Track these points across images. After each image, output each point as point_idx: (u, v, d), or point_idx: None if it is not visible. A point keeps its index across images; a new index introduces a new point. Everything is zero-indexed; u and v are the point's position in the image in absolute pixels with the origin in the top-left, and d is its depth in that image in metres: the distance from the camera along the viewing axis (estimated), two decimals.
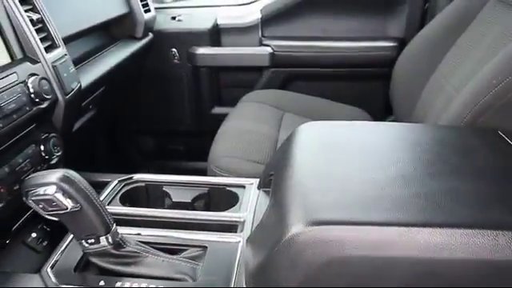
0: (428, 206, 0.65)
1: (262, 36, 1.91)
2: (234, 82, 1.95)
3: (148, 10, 1.75)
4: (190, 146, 2.06)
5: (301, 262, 0.61)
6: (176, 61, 1.90)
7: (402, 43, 1.69)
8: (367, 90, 1.83)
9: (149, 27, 1.77)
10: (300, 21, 1.90)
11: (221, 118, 1.61)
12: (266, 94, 1.74)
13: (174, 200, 1.00)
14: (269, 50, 1.86)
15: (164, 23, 1.90)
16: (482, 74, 1.02)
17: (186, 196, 1.00)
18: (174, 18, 1.93)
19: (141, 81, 1.92)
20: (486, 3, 1.31)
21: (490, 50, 1.12)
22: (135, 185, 1.03)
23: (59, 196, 0.69)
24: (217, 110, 1.96)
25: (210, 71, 1.92)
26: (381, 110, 1.75)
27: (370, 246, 0.60)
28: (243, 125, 1.47)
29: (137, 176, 1.04)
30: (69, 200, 0.70)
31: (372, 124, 1.04)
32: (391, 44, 1.78)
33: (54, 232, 0.96)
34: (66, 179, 0.70)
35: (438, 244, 0.59)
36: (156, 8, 1.86)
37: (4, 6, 0.90)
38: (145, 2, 1.73)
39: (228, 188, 1.01)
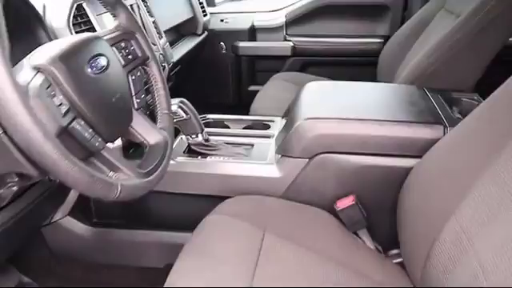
0: (370, 115, 1.23)
1: (286, 34, 2.46)
2: (265, 67, 2.49)
3: (205, 15, 2.33)
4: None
5: (302, 138, 1.20)
6: (223, 51, 2.47)
7: (387, 39, 2.19)
8: (361, 72, 2.26)
9: (205, 27, 2.33)
10: (313, 23, 2.45)
11: (255, 93, 2.11)
12: (288, 76, 2.26)
13: (231, 128, 1.60)
14: (291, 44, 2.42)
15: (215, 24, 2.46)
16: (420, 56, 1.59)
17: (239, 126, 1.58)
18: (222, 21, 2.49)
19: (198, 66, 2.46)
20: (438, 11, 1.85)
21: (432, 41, 1.68)
22: (207, 120, 1.61)
23: (179, 110, 1.30)
24: (252, 87, 2.51)
25: (248, 59, 2.48)
26: None
27: (336, 127, 1.19)
28: (272, 93, 2.05)
29: (208, 115, 1.63)
30: (184, 113, 1.31)
31: (354, 83, 1.62)
32: (379, 40, 2.32)
33: None
34: (182, 102, 1.31)
35: (371, 128, 1.18)
36: (210, 13, 2.43)
37: (140, 15, 1.52)
38: (203, 9, 2.33)
39: (264, 122, 1.59)
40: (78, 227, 1.43)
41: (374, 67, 2.17)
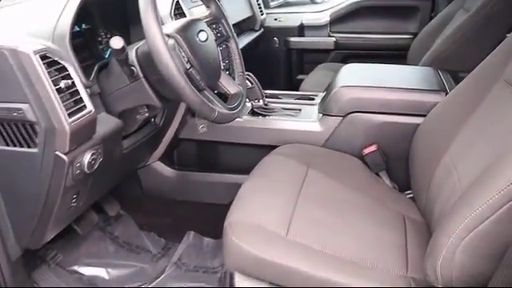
0: (390, 84, 1.58)
1: (330, 31, 2.82)
2: (312, 58, 2.84)
3: (262, 14, 2.71)
4: None
5: (339, 100, 1.56)
6: (277, 45, 2.85)
7: (415, 35, 2.51)
8: (393, 63, 2.49)
9: (262, 24, 2.71)
10: (353, 22, 2.80)
11: (302, 81, 2.47)
12: (331, 66, 2.58)
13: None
14: (334, 39, 2.78)
15: (270, 22, 2.84)
16: (436, 44, 1.93)
17: (288, 99, 1.95)
18: (276, 19, 2.87)
19: (255, 57, 2.75)
20: (458, 11, 2.16)
21: (449, 32, 1.99)
22: (264, 94, 1.99)
23: (246, 81, 1.68)
24: (300, 76, 2.85)
25: (297, 52, 2.85)
26: None
27: (364, 93, 1.54)
28: (316, 78, 2.41)
29: (265, 90, 2.01)
30: (249, 83, 1.69)
31: (382, 65, 1.95)
32: (409, 36, 2.64)
33: None
34: (248, 75, 1.68)
35: (390, 93, 1.53)
36: (266, 13, 2.80)
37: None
38: (261, 10, 2.71)
39: (310, 96, 1.94)
40: (165, 170, 1.84)
41: (404, 59, 2.49)
